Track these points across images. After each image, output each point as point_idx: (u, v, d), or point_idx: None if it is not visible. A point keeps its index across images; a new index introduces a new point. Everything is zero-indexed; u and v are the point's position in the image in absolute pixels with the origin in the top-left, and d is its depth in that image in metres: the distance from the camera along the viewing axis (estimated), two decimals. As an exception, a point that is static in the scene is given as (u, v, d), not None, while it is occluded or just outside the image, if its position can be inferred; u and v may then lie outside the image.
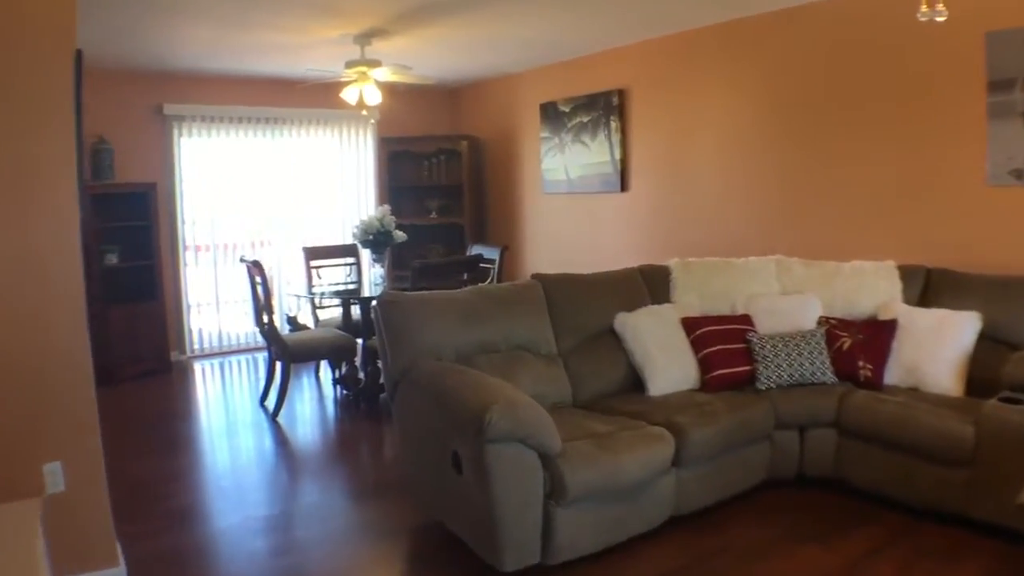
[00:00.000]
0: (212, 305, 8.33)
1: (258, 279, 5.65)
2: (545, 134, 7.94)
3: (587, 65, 7.45)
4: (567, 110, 7.66)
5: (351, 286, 7.04)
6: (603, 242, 7.45)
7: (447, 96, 9.39)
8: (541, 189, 8.11)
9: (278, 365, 5.95)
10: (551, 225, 8.09)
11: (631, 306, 4.61)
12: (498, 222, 8.88)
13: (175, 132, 7.85)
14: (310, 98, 8.37)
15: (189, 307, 8.17)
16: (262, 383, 6.32)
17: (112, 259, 7.32)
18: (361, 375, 6.10)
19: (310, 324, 6.94)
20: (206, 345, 8.32)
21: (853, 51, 5.31)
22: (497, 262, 6.51)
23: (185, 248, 8.08)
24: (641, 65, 6.90)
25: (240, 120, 8.17)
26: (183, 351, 8.13)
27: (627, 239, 7.19)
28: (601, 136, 7.29)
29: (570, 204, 7.80)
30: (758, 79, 5.95)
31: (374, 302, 3.84)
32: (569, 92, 7.64)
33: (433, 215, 8.69)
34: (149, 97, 7.73)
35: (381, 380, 5.86)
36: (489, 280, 6.19)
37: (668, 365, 4.37)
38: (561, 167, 7.79)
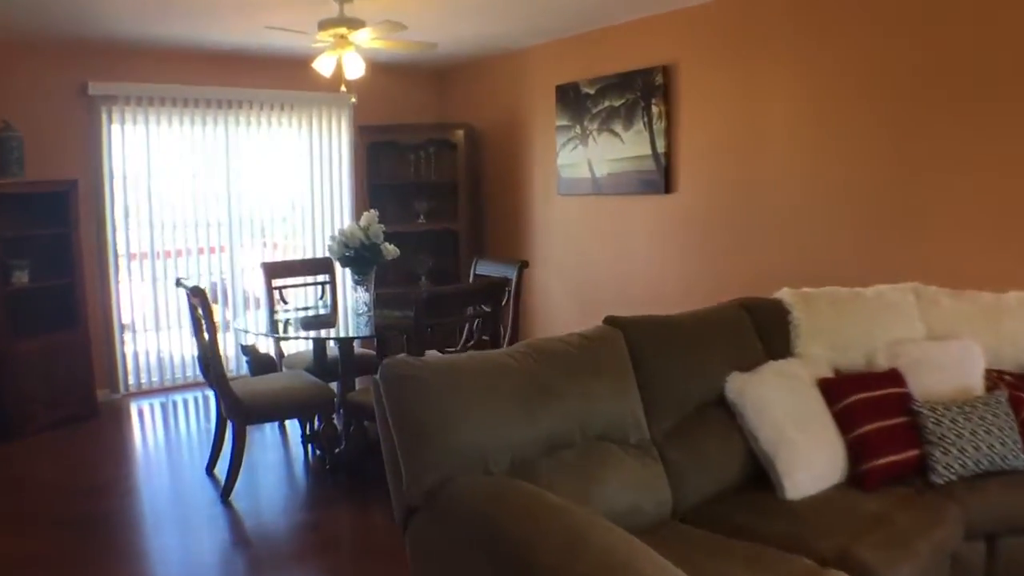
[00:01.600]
0: (152, 328, 6.80)
1: (200, 312, 4.16)
2: (563, 122, 6.51)
3: (619, 37, 6.02)
4: (592, 92, 6.23)
5: (323, 310, 5.56)
6: (639, 257, 6.02)
7: (438, 77, 7.90)
8: (555, 189, 6.67)
9: (229, 423, 4.45)
10: (568, 234, 6.65)
11: (743, 362, 3.21)
12: (499, 229, 7.41)
13: (103, 117, 6.31)
14: (273, 76, 6.89)
15: (123, 332, 6.62)
16: (213, 434, 4.82)
17: (21, 278, 5.76)
18: (340, 431, 4.63)
19: (273, 354, 5.44)
20: (144, 379, 6.78)
21: (1002, 21, 3.93)
22: (513, 285, 5.08)
23: (117, 259, 6.53)
24: (693, 35, 5.48)
25: (186, 103, 6.63)
26: (115, 389, 6.58)
27: (672, 254, 5.77)
28: (638, 124, 5.87)
29: (595, 208, 6.37)
30: (856, 54, 4.55)
31: (378, 375, 2.37)
32: (595, 71, 6.20)
33: (421, 220, 7.21)
34: (69, 73, 6.18)
35: (366, 444, 4.40)
36: (505, 304, 4.75)
37: (810, 453, 2.96)
38: (583, 162, 6.35)
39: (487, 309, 4.04)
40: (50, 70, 6.08)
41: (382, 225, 4.72)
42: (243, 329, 4.61)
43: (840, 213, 4.71)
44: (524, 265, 5.16)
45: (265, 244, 7.21)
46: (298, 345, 5.98)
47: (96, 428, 5.84)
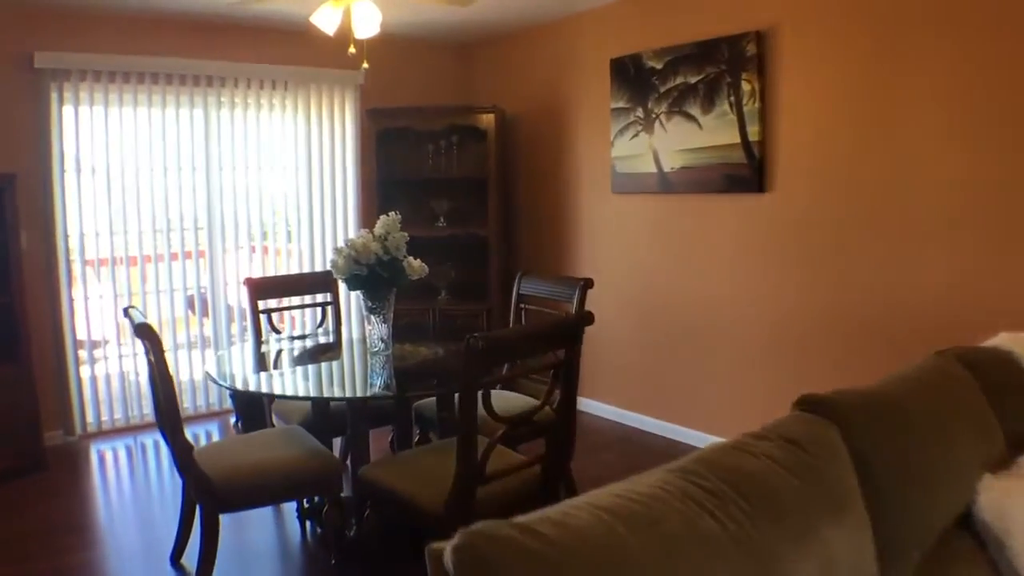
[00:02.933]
0: (115, 354, 5.60)
1: (151, 356, 2.94)
2: (620, 104, 5.29)
3: (695, -5, 4.83)
4: (659, 66, 5.02)
5: (323, 338, 4.36)
6: (722, 274, 4.81)
7: (462, 54, 6.67)
8: (609, 186, 5.46)
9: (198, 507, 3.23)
10: (626, 243, 5.43)
11: (989, 455, 2.02)
12: (536, 236, 6.19)
13: (52, 96, 5.08)
14: (262, 47, 5.70)
15: (78, 359, 5.40)
16: (178, 517, 3.60)
17: (-57, 295, 4.57)
18: (346, 511, 3.42)
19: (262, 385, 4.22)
20: (107, 417, 5.55)
21: None
22: (574, 309, 3.89)
23: (70, 268, 5.32)
24: (798, -11, 4.30)
25: (156, 79, 5.41)
26: (68, 430, 5.36)
27: (767, 271, 4.57)
28: (722, 105, 4.67)
29: (662, 210, 5.16)
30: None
31: (450, 556, 1.15)
32: (664, 39, 4.99)
33: (441, 223, 5.98)
34: (10, 42, 4.97)
35: (384, 530, 3.20)
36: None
37: None
38: (646, 153, 5.15)
39: (563, 356, 2.83)
40: (-16, 36, 4.89)
41: (405, 234, 3.51)
42: (217, 378, 3.36)
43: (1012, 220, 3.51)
44: (588, 285, 3.97)
45: (254, 249, 5.98)
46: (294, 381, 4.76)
47: (41, 485, 4.62)
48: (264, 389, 3.32)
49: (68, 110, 5.17)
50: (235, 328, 5.99)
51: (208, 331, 5.88)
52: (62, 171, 5.18)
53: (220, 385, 3.33)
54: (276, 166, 5.95)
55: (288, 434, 3.51)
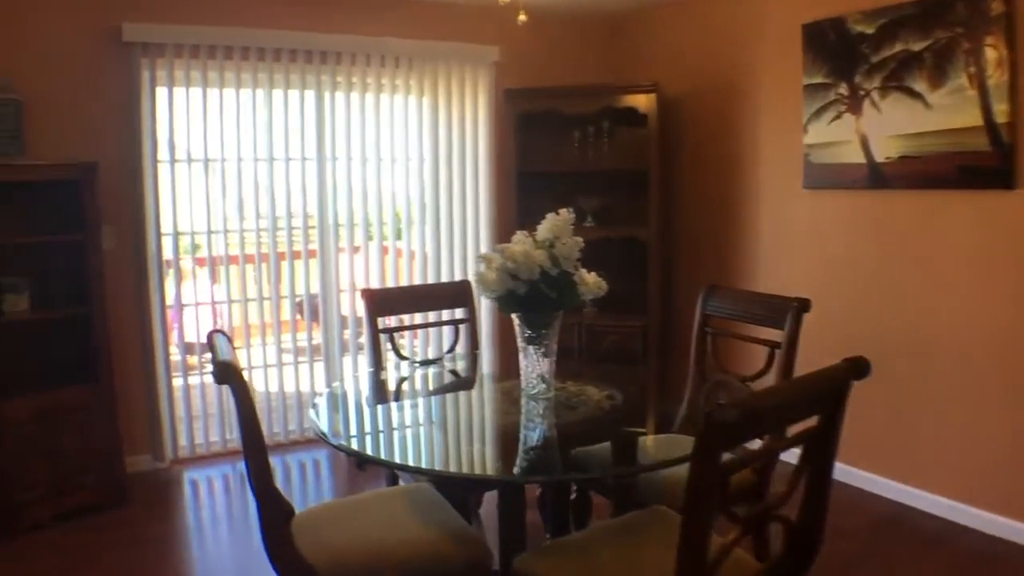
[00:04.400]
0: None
1: (237, 406, 2.11)
2: (816, 79, 4.27)
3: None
4: (870, 31, 3.97)
5: (449, 368, 3.52)
6: (959, 292, 3.73)
7: (611, 30, 5.70)
8: (800, 180, 4.43)
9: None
10: (823, 249, 4.38)
11: None
12: (703, 239, 5.20)
13: (143, 74, 4.39)
14: (382, 17, 4.91)
15: (168, 372, 4.69)
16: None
17: (18, 304, 3.91)
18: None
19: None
20: (200, 440, 4.86)
21: None
22: (784, 343, 2.92)
23: (162, 271, 4.62)
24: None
25: (260, 54, 4.66)
26: (158, 456, 4.66)
27: (1020, 291, 3.50)
28: (958, 78, 3.61)
29: (873, 210, 4.10)
30: None
31: None
32: (875, -3, 3.97)
33: (589, 222, 5.05)
34: (95, 12, 4.28)
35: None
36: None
37: None
38: (852, 140, 4.11)
39: (818, 422, 1.88)
40: (67, 8, 4.20)
41: (579, 239, 2.59)
42: (329, 436, 2.49)
43: None
44: (803, 308, 2.98)
45: (370, 250, 5.17)
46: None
47: (119, 526, 3.91)
48: (384, 455, 2.42)
49: (161, 91, 4.47)
50: (347, 333, 5.21)
51: (317, 336, 5.10)
52: (154, 160, 4.47)
53: (333, 445, 2.46)
54: (397, 156, 5.12)
55: (415, 499, 2.64)
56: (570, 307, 2.63)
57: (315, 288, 5.03)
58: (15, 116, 3.91)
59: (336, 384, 3.62)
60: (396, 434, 2.67)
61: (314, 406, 2.75)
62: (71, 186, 3.93)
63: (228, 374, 2.02)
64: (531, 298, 2.54)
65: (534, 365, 2.67)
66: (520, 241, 2.58)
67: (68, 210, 3.97)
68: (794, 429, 1.93)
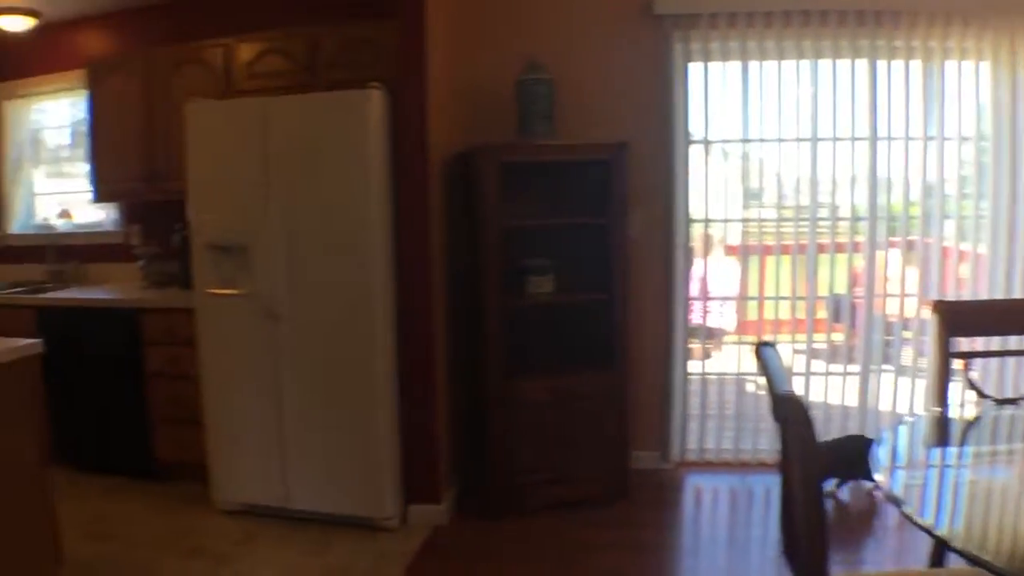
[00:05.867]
0: (731, 355, 4.56)
1: (790, 459, 1.63)
2: None
3: None
4: None
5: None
6: None
7: None
8: None
9: None
10: None
11: None
12: None
13: (676, 48, 4.13)
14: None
15: (685, 368, 4.40)
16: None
17: (542, 286, 3.92)
18: None
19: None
20: (710, 443, 4.49)
21: None
22: None
23: (689, 260, 4.34)
24: None
25: (804, 19, 4.07)
26: (665, 455, 4.42)
27: None
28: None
29: None
30: None
31: None
32: None
33: None
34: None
35: None
36: None
37: None
38: None
39: None
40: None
41: None
42: (895, 495, 1.75)
43: None
44: None
45: (930, 251, 4.28)
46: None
47: (618, 524, 3.76)
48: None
49: (694, 68, 4.16)
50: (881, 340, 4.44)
51: (857, 356, 4.40)
52: (686, 141, 4.19)
53: (916, 523, 1.67)
54: (955, 135, 4.18)
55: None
56: None
57: (842, 288, 4.35)
58: (547, 96, 3.88)
59: (907, 421, 2.71)
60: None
61: (875, 446, 2.09)
62: (599, 168, 3.81)
63: (793, 411, 1.51)
64: None
65: None
66: None
67: (594, 193, 3.86)
68: None
